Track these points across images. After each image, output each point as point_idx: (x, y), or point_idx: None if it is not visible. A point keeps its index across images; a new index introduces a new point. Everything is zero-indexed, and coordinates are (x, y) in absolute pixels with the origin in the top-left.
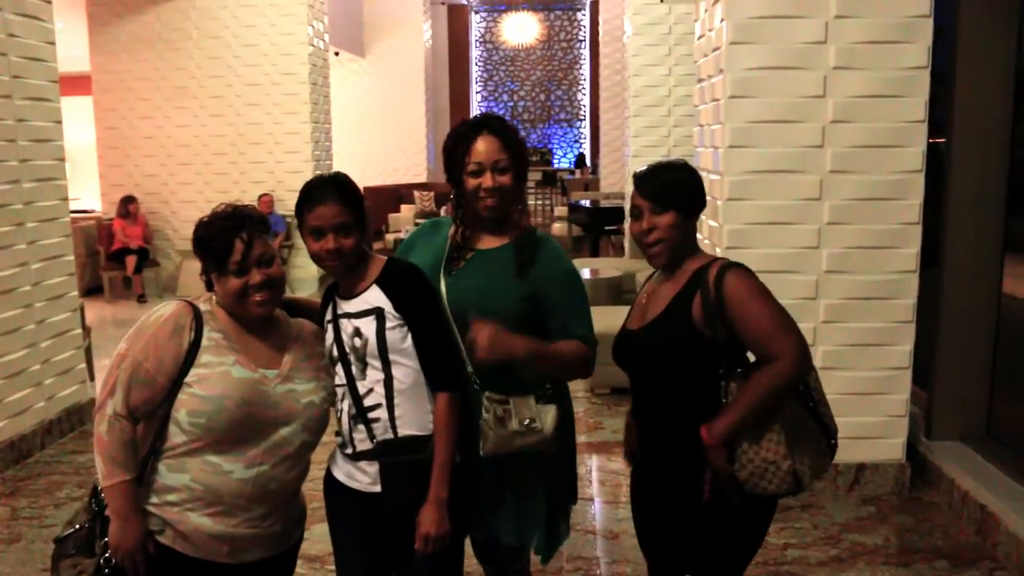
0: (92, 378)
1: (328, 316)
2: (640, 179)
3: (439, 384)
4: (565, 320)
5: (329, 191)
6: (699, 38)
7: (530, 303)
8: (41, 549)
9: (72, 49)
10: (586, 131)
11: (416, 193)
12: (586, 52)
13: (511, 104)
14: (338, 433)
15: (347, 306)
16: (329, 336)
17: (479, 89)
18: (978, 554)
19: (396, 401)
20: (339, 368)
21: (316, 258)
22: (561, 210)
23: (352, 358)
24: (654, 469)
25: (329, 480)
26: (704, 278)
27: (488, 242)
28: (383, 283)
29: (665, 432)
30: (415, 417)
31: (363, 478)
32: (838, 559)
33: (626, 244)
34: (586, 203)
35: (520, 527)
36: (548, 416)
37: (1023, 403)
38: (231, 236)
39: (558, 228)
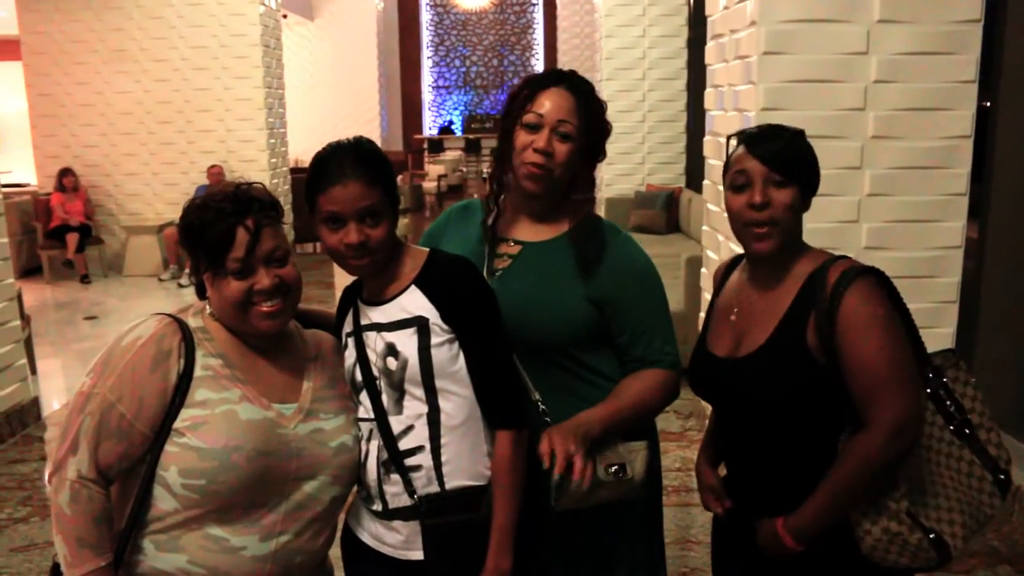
0: (34, 372)
1: (348, 328)
2: (754, 138)
3: (501, 420)
4: (637, 336)
5: (348, 165)
6: None
7: (598, 306)
8: None
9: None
10: None
11: None
12: (539, 16)
13: (463, 69)
14: (360, 483)
15: (375, 314)
16: (350, 355)
17: (430, 54)
18: None
19: (443, 442)
20: (364, 398)
21: (336, 256)
22: None
23: (383, 384)
24: (750, 531)
25: (349, 542)
26: (821, 285)
27: (538, 232)
28: (426, 283)
29: (771, 485)
30: (467, 463)
31: (393, 538)
32: None
33: (599, 214)
34: None
35: None
36: (638, 458)
37: None
38: (232, 224)
39: None
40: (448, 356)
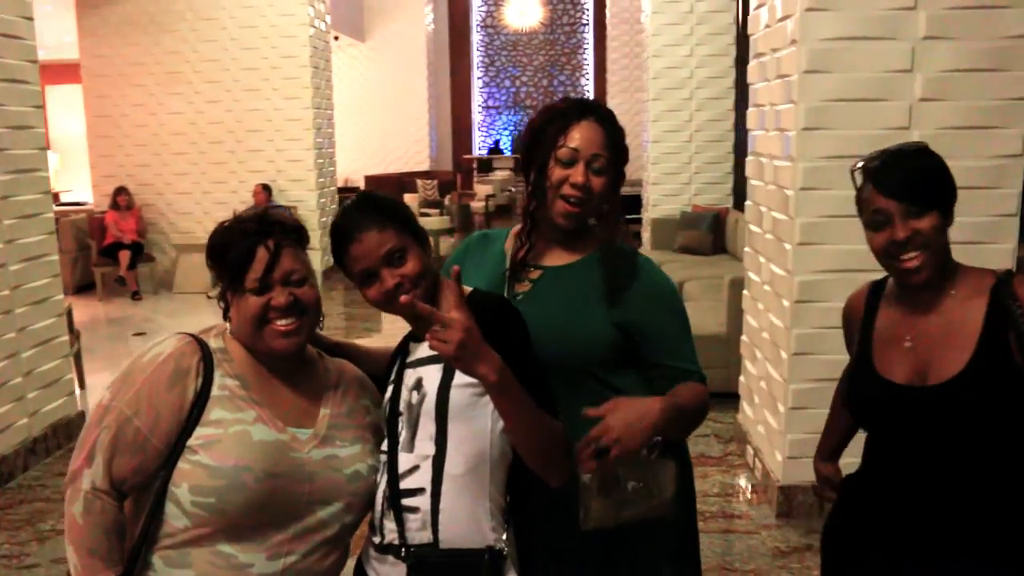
0: (83, 386)
1: (396, 366)
2: (879, 172)
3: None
4: (667, 354)
5: (354, 221)
6: (757, 7)
7: (623, 330)
8: None
9: (63, 35)
10: None
11: (419, 182)
12: (590, 36)
13: (513, 90)
14: (372, 513)
15: (418, 351)
16: (389, 391)
17: (480, 75)
18: None
19: (444, 488)
20: (387, 432)
21: (382, 304)
22: None
23: (404, 420)
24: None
25: None
26: (1011, 301)
27: (559, 257)
28: None
29: (968, 517)
30: (465, 518)
31: (398, 572)
32: None
33: (644, 235)
34: None
35: None
36: (666, 475)
37: None
38: (253, 244)
39: None
40: (468, 399)
